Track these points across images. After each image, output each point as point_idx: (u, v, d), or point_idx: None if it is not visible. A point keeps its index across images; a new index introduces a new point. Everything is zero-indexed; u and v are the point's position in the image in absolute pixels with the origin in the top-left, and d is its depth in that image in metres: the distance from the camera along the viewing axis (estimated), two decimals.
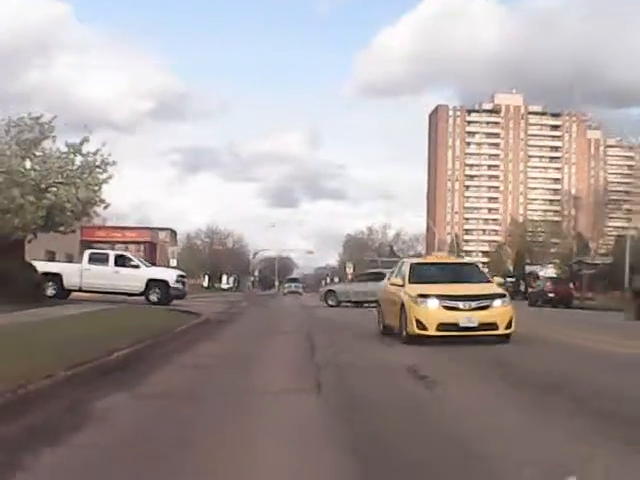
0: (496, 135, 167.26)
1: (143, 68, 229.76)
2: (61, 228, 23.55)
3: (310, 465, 4.75)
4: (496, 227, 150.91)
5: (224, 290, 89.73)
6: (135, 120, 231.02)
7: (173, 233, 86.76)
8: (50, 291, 25.83)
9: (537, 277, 75.71)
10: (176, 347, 12.10)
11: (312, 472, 4.60)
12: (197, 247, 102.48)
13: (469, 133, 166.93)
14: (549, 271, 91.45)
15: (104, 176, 23.16)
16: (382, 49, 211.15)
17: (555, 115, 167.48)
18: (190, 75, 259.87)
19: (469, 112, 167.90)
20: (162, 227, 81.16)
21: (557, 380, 8.58)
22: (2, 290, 19.09)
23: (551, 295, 47.32)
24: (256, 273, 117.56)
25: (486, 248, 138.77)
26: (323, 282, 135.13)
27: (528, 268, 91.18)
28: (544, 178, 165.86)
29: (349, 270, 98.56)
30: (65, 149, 22.99)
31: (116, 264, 27.83)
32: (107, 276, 27.20)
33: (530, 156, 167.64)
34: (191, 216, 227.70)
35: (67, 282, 27.09)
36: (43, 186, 21.65)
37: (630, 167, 62.26)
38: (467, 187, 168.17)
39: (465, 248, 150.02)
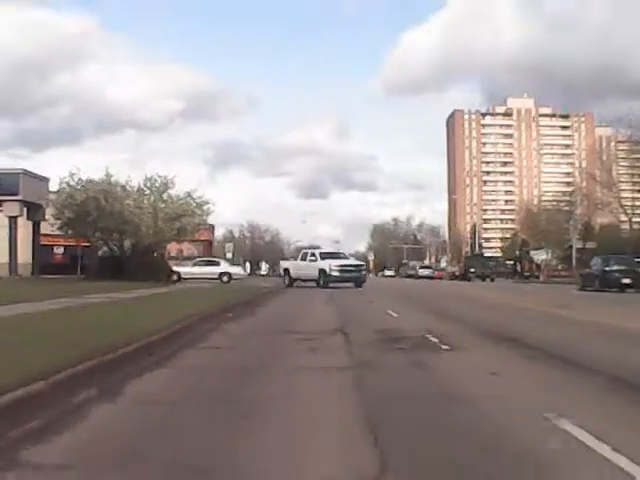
0: (509, 136, 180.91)
1: (170, 70, 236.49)
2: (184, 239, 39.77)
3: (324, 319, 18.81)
4: (512, 216, 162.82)
5: (262, 275, 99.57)
6: (166, 120, 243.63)
7: (211, 227, 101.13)
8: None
9: (531, 260, 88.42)
10: (266, 298, 26.43)
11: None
12: (241, 240, 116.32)
13: (484, 134, 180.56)
14: (542, 256, 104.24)
15: (207, 209, 39.07)
16: (409, 48, 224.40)
17: (564, 116, 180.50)
18: (219, 73, 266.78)
19: (483, 115, 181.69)
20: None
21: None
22: (154, 275, 34.18)
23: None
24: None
25: (506, 235, 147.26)
26: None
27: (532, 253, 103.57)
28: (556, 172, 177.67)
29: (370, 258, 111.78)
30: (182, 194, 38.68)
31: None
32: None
33: (543, 153, 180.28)
34: (225, 210, 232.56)
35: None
36: (174, 217, 37.00)
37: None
38: (485, 182, 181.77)
39: (484, 235, 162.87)
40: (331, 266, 38.88)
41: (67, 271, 45.36)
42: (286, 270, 43.29)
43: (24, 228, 39.84)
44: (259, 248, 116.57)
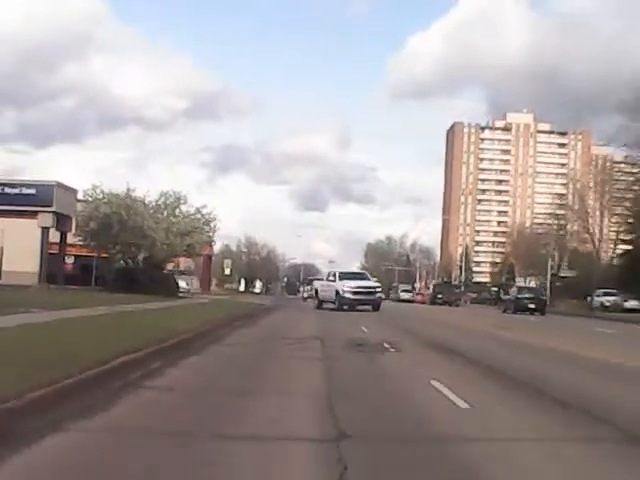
0: (507, 152, 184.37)
1: (178, 67, 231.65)
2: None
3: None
4: (504, 239, 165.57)
5: (257, 294, 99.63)
6: (169, 118, 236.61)
7: (211, 242, 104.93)
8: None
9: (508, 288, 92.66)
10: (263, 314, 30.74)
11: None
12: (237, 254, 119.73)
13: (482, 149, 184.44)
14: (532, 282, 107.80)
15: (214, 226, 43.55)
16: (413, 54, 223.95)
17: (562, 134, 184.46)
18: (224, 75, 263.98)
19: (482, 129, 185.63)
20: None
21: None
22: (164, 289, 38.38)
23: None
24: (285, 280, 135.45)
25: (496, 259, 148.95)
26: None
27: (518, 280, 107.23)
28: (550, 193, 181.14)
29: None
30: (193, 210, 42.87)
31: None
32: None
33: (538, 172, 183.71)
34: (222, 216, 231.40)
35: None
36: (185, 233, 41.29)
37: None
38: (479, 201, 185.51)
39: (475, 259, 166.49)
40: (344, 288, 37.88)
41: (77, 281, 46.79)
42: (316, 291, 42.96)
43: (35, 236, 41.03)
44: (255, 264, 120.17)
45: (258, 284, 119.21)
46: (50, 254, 41.98)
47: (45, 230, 39.73)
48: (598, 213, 76.13)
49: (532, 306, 49.88)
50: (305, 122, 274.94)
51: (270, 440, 6.03)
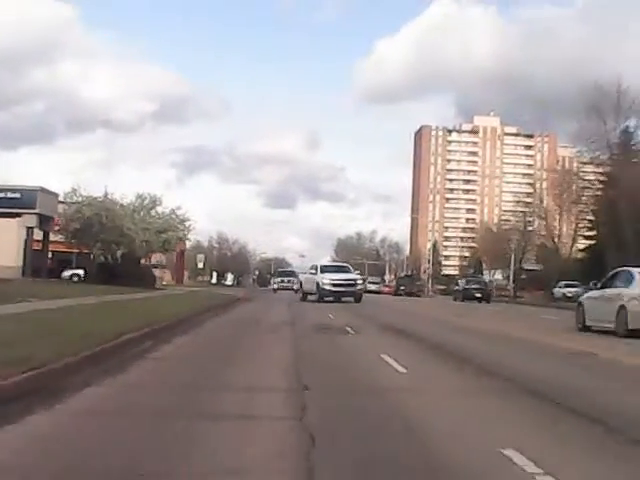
0: (474, 154, 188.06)
1: (146, 71, 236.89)
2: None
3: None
4: (473, 235, 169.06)
5: (228, 286, 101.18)
6: (138, 121, 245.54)
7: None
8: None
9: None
10: (237, 303, 32.92)
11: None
12: (209, 250, 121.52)
13: (450, 151, 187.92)
14: (497, 275, 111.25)
15: (189, 225, 45.59)
16: (382, 58, 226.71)
17: (528, 136, 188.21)
18: (193, 78, 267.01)
19: (450, 132, 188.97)
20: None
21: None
22: (141, 282, 40.39)
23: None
24: (256, 272, 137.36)
25: (465, 253, 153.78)
26: None
27: (485, 273, 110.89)
28: (518, 192, 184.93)
29: None
30: (168, 211, 45.08)
31: None
32: None
33: (505, 172, 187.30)
34: (191, 215, 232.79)
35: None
36: (160, 230, 43.41)
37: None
38: (447, 199, 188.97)
39: (444, 253, 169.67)
40: (324, 280, 38.42)
41: (54, 275, 48.87)
42: (301, 283, 43.90)
43: (18, 234, 43.28)
44: (226, 258, 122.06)
45: (230, 277, 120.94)
46: (34, 250, 44.40)
47: (30, 229, 42.25)
48: (558, 211, 79.03)
49: (478, 295, 57.66)
50: (274, 124, 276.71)
51: (248, 390, 8.09)
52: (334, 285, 38.13)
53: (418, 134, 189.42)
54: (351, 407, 7.22)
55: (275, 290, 67.43)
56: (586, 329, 20.72)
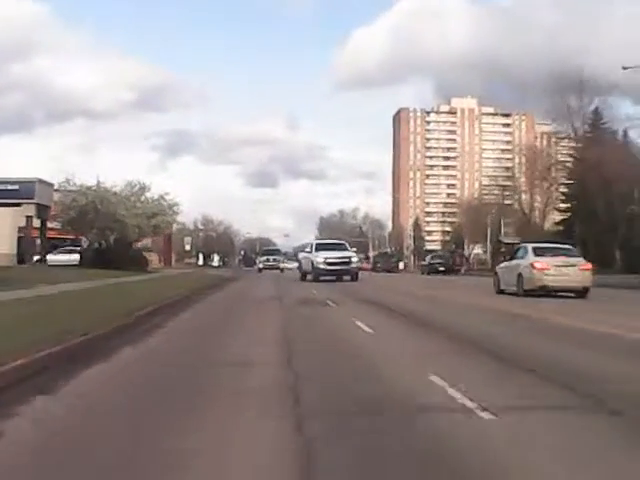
0: (453, 132, 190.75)
1: (124, 61, 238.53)
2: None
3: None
4: (454, 210, 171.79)
5: (215, 267, 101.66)
6: (118, 109, 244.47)
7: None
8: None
9: (461, 255, 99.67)
10: (226, 283, 35.23)
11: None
12: (194, 232, 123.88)
13: (428, 131, 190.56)
14: (475, 251, 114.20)
15: (176, 209, 47.87)
16: (359, 44, 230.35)
17: (506, 115, 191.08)
18: (170, 67, 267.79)
19: (428, 113, 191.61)
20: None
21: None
22: (134, 266, 42.63)
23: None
24: (242, 253, 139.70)
25: (446, 228, 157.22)
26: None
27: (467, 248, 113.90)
28: (497, 167, 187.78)
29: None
30: (156, 197, 47.25)
31: None
32: None
33: (484, 149, 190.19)
34: (179, 200, 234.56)
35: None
36: (150, 215, 45.67)
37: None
38: (427, 176, 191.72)
39: (426, 228, 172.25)
40: (317, 259, 37.80)
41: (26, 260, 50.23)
42: (300, 263, 42.81)
43: (12, 221, 45.31)
44: (211, 240, 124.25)
45: (216, 258, 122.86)
46: (32, 237, 47.25)
47: (29, 218, 44.73)
48: (529, 187, 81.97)
49: (441, 269, 67.57)
50: (255, 109, 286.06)
51: (246, 346, 10.57)
52: (328, 264, 37.47)
53: (397, 117, 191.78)
54: (326, 351, 9.91)
55: (260, 270, 66.21)
56: (500, 292, 25.99)
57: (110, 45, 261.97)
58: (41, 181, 44.64)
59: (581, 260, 24.95)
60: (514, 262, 25.66)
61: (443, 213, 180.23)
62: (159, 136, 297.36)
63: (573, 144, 71.12)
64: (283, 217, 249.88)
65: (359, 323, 13.56)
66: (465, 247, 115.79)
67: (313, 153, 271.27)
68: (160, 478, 4.27)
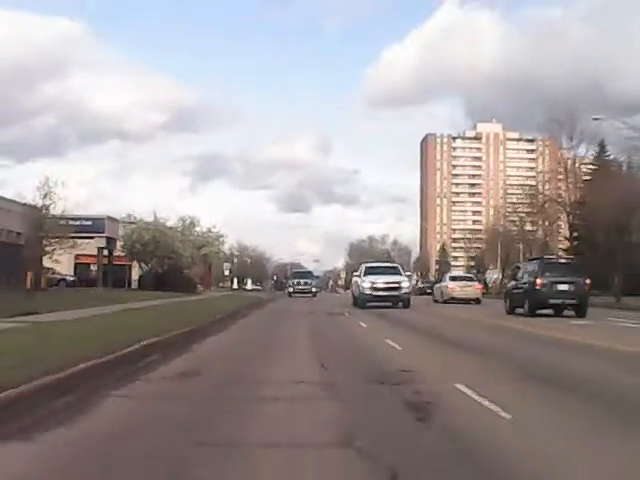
0: (478, 158, 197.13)
1: (157, 82, 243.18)
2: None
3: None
4: (480, 236, 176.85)
5: (249, 290, 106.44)
6: (149, 131, 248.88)
7: None
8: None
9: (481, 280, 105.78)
10: (264, 304, 42.14)
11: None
12: (229, 258, 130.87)
13: (454, 157, 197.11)
14: (494, 275, 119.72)
15: (222, 241, 55.48)
16: (390, 64, 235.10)
17: (530, 140, 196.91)
18: (203, 88, 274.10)
19: (454, 139, 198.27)
20: None
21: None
22: (185, 288, 49.93)
23: None
24: (274, 278, 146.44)
25: (471, 254, 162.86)
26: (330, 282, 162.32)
27: (487, 273, 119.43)
28: (521, 194, 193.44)
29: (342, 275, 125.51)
30: (205, 229, 54.99)
31: None
32: None
33: (508, 175, 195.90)
34: (205, 222, 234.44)
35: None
36: (200, 246, 53.19)
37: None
38: (454, 203, 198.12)
39: (453, 254, 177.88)
40: (364, 284, 35.64)
41: (98, 284, 56.44)
42: (352, 289, 41.37)
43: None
44: (245, 266, 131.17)
45: (249, 282, 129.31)
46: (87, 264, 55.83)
47: (100, 250, 52.50)
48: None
49: (429, 291, 66.66)
50: (285, 131, 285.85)
51: (288, 340, 16.85)
52: (375, 289, 35.12)
53: (424, 142, 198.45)
54: (349, 351, 16.61)
55: (290, 294, 61.44)
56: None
57: (142, 63, 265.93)
58: (109, 217, 52.48)
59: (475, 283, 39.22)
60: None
61: (469, 239, 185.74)
62: (191, 160, 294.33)
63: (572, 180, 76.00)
64: (314, 242, 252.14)
65: (365, 325, 20.65)
66: (486, 272, 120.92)
67: (345, 177, 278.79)
68: (265, 363, 11.24)
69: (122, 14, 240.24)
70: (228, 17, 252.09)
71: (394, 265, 42.54)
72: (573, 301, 27.65)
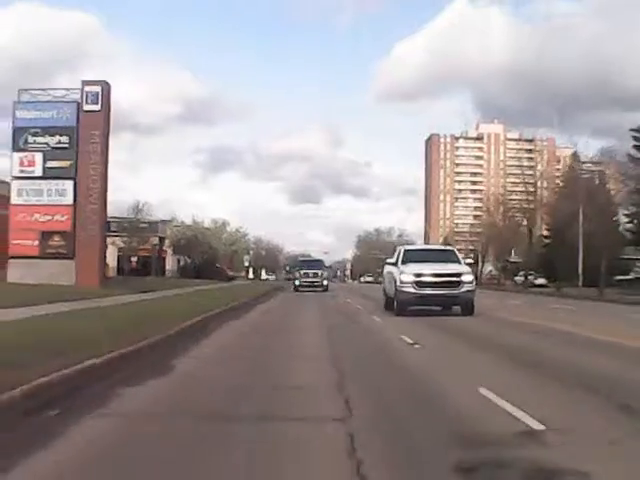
0: (480, 157, 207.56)
1: (170, 75, 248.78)
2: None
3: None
4: (480, 230, 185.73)
5: (264, 280, 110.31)
6: (162, 123, 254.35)
7: None
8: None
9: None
10: (278, 291, 52.72)
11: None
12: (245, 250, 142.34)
13: (457, 156, 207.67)
14: (488, 268, 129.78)
15: (247, 239, 67.26)
16: (401, 58, 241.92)
17: (529, 140, 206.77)
18: (216, 80, 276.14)
19: (457, 139, 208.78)
20: None
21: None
22: (219, 276, 61.52)
23: None
24: (286, 268, 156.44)
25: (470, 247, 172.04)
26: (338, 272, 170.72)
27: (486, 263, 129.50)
28: (520, 191, 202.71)
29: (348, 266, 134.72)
30: (234, 230, 66.70)
31: None
32: None
33: (508, 174, 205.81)
34: (215, 214, 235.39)
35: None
36: (230, 243, 64.86)
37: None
38: (456, 199, 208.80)
39: (456, 247, 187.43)
40: (403, 276, 24.67)
41: (139, 273, 65.94)
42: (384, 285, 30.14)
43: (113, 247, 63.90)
44: (260, 257, 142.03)
45: (264, 273, 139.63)
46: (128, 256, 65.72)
47: (154, 246, 63.93)
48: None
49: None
50: (297, 123, 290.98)
51: (300, 332, 19.12)
52: (420, 285, 24.36)
53: (428, 141, 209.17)
54: (360, 343, 26.04)
55: (296, 288, 53.02)
56: None
57: (156, 56, 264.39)
58: (162, 220, 64.04)
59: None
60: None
61: (470, 233, 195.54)
62: (202, 152, 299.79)
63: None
64: (324, 233, 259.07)
65: (374, 317, 28.32)
66: (479, 265, 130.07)
67: (356, 169, 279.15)
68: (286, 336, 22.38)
69: (135, 7, 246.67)
70: (241, 12, 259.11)
71: (449, 248, 32.45)
72: None
